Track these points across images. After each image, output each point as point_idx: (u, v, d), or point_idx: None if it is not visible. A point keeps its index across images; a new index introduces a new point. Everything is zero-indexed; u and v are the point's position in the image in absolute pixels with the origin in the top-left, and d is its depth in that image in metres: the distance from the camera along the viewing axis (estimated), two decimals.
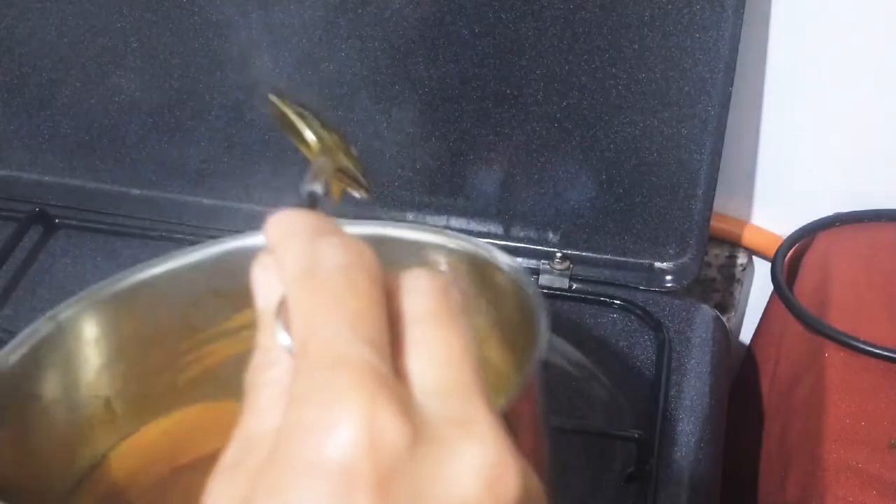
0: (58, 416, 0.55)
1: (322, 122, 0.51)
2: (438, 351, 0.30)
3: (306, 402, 0.28)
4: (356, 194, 0.50)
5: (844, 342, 0.75)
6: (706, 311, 0.85)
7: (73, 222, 0.90)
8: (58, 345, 0.55)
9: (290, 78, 0.84)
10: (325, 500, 0.26)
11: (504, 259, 0.55)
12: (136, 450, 0.58)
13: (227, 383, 0.57)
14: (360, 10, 0.81)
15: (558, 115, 0.81)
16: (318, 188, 0.44)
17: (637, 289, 0.85)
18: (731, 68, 0.77)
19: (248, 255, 0.46)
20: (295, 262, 0.32)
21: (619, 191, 0.84)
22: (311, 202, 0.43)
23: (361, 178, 0.50)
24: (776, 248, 0.86)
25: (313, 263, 0.31)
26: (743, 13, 0.75)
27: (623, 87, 0.80)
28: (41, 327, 0.54)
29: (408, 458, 0.27)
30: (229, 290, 0.58)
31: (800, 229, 0.87)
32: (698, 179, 0.82)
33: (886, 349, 0.74)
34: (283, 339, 0.32)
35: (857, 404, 0.72)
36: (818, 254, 0.85)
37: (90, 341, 0.57)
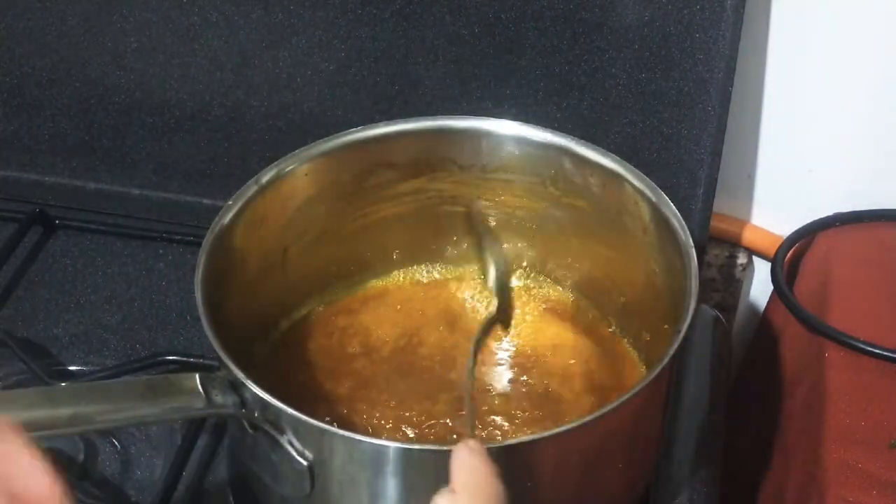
0: (250, 266, 0.70)
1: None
2: None
3: None
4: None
5: (844, 342, 0.75)
6: (706, 311, 0.85)
7: (73, 222, 0.90)
8: (258, 203, 0.69)
9: (290, 78, 0.84)
10: None
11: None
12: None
13: (382, 236, 0.78)
14: (360, 10, 0.81)
15: (558, 116, 0.81)
16: None
17: None
18: (731, 68, 0.77)
19: (423, 135, 0.74)
20: None
21: None
22: None
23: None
24: (776, 248, 0.86)
25: None
26: (743, 13, 0.75)
27: (623, 87, 0.80)
28: (248, 189, 0.69)
29: None
30: (400, 162, 0.75)
31: (800, 229, 0.87)
32: (698, 179, 0.82)
33: (886, 349, 0.74)
34: None
35: (857, 404, 0.72)
36: (818, 254, 0.85)
37: (282, 200, 0.71)
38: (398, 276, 0.80)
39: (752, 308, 0.96)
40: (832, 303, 0.79)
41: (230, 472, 0.71)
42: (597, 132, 0.81)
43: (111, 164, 0.91)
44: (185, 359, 0.76)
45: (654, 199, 0.69)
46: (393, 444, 0.58)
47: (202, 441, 0.72)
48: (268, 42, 0.83)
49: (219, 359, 0.59)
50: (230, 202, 0.68)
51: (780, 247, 0.86)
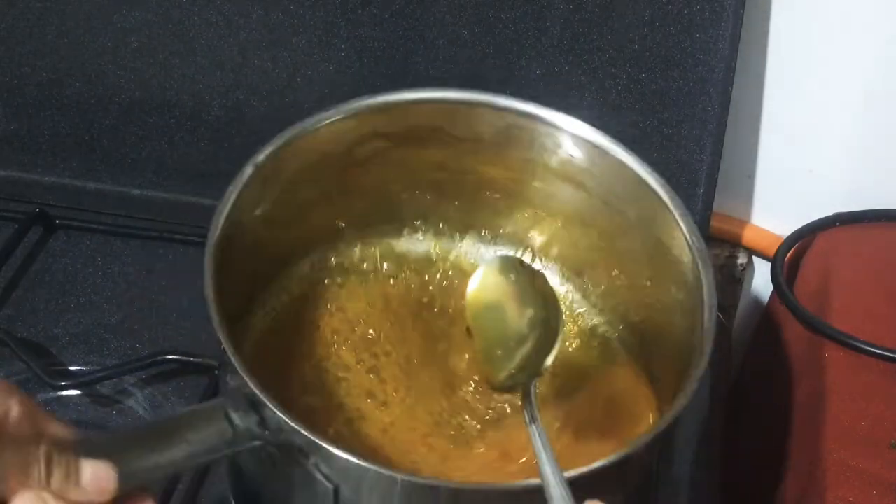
0: (252, 247, 0.69)
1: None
2: None
3: None
4: None
5: (844, 342, 0.75)
6: None
7: (73, 222, 0.90)
8: (256, 184, 0.68)
9: (291, 78, 0.84)
10: None
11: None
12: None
13: (377, 201, 0.77)
14: (360, 10, 0.81)
15: None
16: None
17: None
18: (731, 68, 0.77)
19: (408, 104, 0.72)
20: None
21: None
22: None
23: None
24: (776, 248, 0.86)
25: None
26: (743, 13, 0.75)
27: (623, 87, 0.80)
28: (245, 170, 0.68)
29: None
30: (389, 130, 0.73)
31: (800, 229, 0.87)
32: (698, 179, 0.82)
33: (886, 349, 0.74)
34: None
35: (857, 404, 0.72)
36: (818, 254, 0.85)
37: (278, 178, 0.70)
38: (390, 247, 0.79)
39: (752, 308, 0.96)
40: (832, 303, 0.79)
41: (233, 488, 0.69)
42: None
43: (111, 164, 0.91)
44: (185, 358, 0.76)
45: (671, 208, 0.67)
46: (426, 482, 0.57)
47: None
48: (268, 42, 0.83)
49: (235, 376, 0.57)
50: (230, 187, 0.67)
51: (780, 247, 0.86)
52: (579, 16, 0.78)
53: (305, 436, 0.55)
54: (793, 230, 0.87)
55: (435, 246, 0.80)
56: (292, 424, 0.55)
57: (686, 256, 0.66)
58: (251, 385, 0.56)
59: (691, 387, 0.59)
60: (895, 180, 0.86)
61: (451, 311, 0.76)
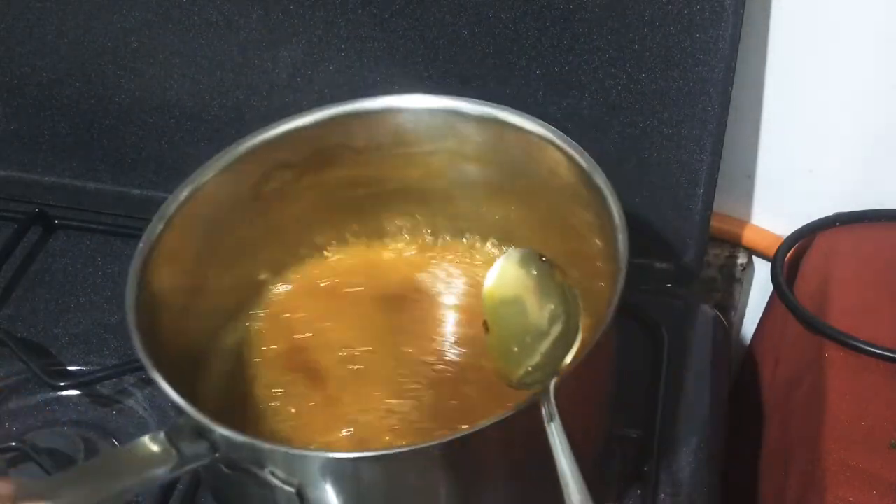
0: (174, 306, 0.69)
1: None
2: None
3: None
4: None
5: (844, 342, 0.75)
6: (706, 311, 0.85)
7: (73, 222, 0.90)
8: (171, 237, 0.69)
9: (291, 78, 0.84)
10: None
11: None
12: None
13: (286, 234, 0.77)
14: (360, 10, 0.81)
15: (558, 116, 0.81)
16: None
17: (637, 289, 0.85)
18: (731, 68, 0.77)
19: (308, 132, 0.73)
20: None
21: (618, 191, 0.84)
22: None
23: None
24: (776, 248, 0.86)
25: None
26: (743, 13, 0.75)
27: (623, 87, 0.80)
28: (154, 227, 0.69)
29: None
30: (293, 161, 0.74)
31: (800, 229, 0.87)
32: (698, 179, 0.81)
33: (886, 349, 0.74)
34: None
35: (857, 404, 0.72)
36: (818, 254, 0.85)
37: (195, 227, 0.71)
38: (324, 266, 0.79)
39: (752, 308, 0.96)
40: (832, 303, 0.79)
41: None
42: (597, 132, 0.81)
43: (111, 164, 0.92)
44: None
45: (565, 149, 0.69)
46: (377, 453, 0.57)
47: None
48: (268, 42, 0.83)
49: (178, 409, 0.57)
50: (141, 244, 0.67)
51: (780, 247, 0.86)
52: (579, 16, 0.78)
53: (250, 443, 0.55)
54: (793, 230, 0.87)
55: (373, 260, 0.80)
56: (240, 438, 0.55)
57: (577, 178, 0.68)
58: (188, 410, 0.56)
59: (615, 298, 0.60)
60: (895, 180, 0.86)
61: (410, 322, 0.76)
